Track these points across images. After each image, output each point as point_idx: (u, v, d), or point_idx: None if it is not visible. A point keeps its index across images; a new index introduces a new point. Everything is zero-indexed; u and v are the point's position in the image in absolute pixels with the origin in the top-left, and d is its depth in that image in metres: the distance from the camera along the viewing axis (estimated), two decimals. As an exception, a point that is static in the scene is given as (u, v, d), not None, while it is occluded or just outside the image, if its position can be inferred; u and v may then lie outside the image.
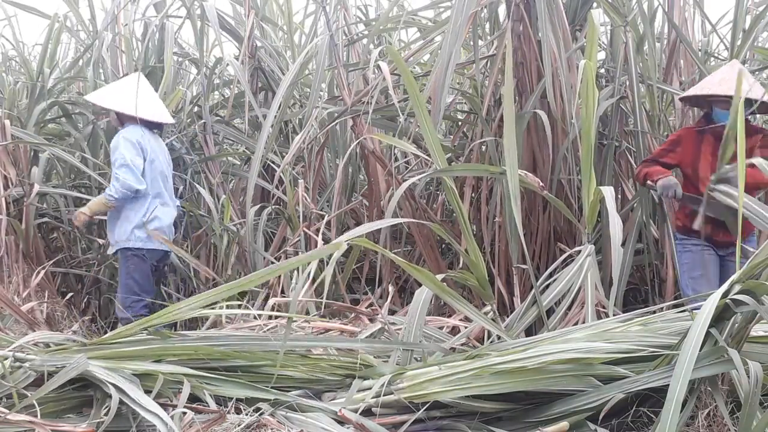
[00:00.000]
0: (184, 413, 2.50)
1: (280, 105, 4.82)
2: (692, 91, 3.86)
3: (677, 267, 3.95)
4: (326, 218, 4.42)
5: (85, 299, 5.26)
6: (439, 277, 3.28)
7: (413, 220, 4.18)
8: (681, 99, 4.12)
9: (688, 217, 3.77)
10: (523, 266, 3.90)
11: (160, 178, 4.36)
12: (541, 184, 3.50)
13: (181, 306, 2.88)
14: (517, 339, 3.14)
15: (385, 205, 4.14)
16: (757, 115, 4.87)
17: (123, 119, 4.35)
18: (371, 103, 4.28)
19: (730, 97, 3.34)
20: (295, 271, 4.23)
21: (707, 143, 3.72)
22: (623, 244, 4.26)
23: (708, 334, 2.30)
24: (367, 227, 3.91)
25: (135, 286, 4.23)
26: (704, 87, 3.76)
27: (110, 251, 4.42)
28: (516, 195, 3.23)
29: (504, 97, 3.30)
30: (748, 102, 3.32)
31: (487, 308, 3.45)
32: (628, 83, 4.27)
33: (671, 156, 3.86)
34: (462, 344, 3.23)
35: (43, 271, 4.70)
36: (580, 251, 3.43)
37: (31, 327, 4.10)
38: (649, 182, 3.83)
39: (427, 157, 3.64)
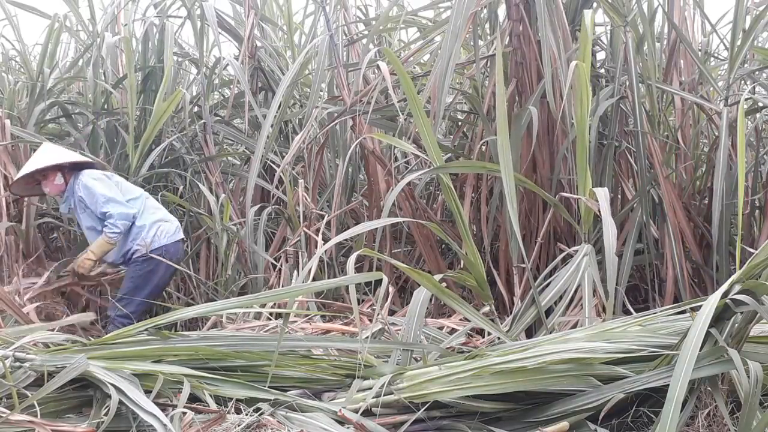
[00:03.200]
0: (184, 413, 2.50)
1: (280, 105, 4.82)
2: None
3: None
4: (326, 218, 4.42)
5: (85, 299, 5.25)
6: (438, 277, 3.28)
7: (412, 220, 4.18)
8: None
9: None
10: (522, 266, 3.90)
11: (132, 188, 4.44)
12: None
13: (201, 309, 2.97)
14: (516, 339, 3.14)
15: (383, 206, 4.14)
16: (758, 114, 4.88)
17: (68, 175, 4.36)
18: (371, 103, 4.28)
19: None
20: (296, 272, 4.25)
21: None
22: (623, 244, 4.28)
23: (708, 334, 2.30)
24: (365, 226, 3.92)
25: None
26: None
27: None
28: (512, 197, 3.23)
29: (497, 101, 3.30)
30: None
31: (486, 308, 3.46)
32: (628, 83, 4.27)
33: None
34: (462, 344, 3.23)
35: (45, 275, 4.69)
36: (578, 251, 3.43)
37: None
38: None
39: (426, 157, 3.64)
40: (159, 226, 4.32)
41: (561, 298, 3.29)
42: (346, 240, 5.36)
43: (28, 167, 4.35)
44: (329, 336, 3.28)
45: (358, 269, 4.78)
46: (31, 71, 5.80)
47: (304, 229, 4.34)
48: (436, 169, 3.40)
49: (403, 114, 4.18)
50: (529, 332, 3.59)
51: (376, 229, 4.46)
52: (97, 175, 4.30)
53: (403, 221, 4.37)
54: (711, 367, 2.38)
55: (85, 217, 4.33)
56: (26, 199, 5.01)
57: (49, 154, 4.37)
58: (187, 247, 5.18)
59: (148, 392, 2.57)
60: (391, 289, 4.28)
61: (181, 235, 4.48)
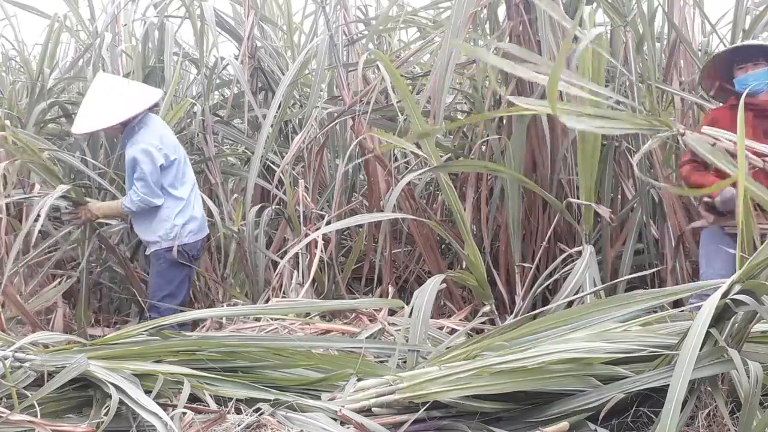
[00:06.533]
0: (184, 413, 2.50)
1: (279, 105, 4.82)
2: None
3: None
4: (326, 218, 4.42)
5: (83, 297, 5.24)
6: (439, 277, 3.29)
7: (411, 216, 4.18)
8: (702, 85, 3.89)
9: None
10: (525, 265, 3.91)
11: (185, 168, 4.25)
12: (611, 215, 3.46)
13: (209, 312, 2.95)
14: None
15: (385, 205, 4.15)
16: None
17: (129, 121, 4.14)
18: (371, 103, 4.29)
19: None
20: (295, 272, 4.25)
21: (746, 120, 3.02)
22: (623, 244, 4.28)
23: (708, 334, 2.30)
24: (363, 218, 3.92)
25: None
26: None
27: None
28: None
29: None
30: None
31: (487, 308, 3.46)
32: (628, 83, 4.27)
33: None
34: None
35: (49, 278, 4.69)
36: (580, 251, 3.44)
37: (34, 328, 4.11)
38: (705, 199, 3.54)
39: (425, 155, 3.65)
40: (185, 225, 4.16)
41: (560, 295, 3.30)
42: (346, 241, 5.38)
43: (88, 123, 4.14)
44: (329, 336, 3.28)
45: (358, 269, 4.80)
46: (31, 71, 5.79)
47: (308, 231, 4.33)
48: (436, 168, 3.40)
49: (402, 114, 4.18)
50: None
51: (377, 228, 4.46)
52: (150, 148, 4.05)
53: (403, 217, 4.36)
54: (711, 367, 2.37)
55: (128, 176, 4.21)
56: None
57: (114, 106, 4.10)
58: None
59: (148, 392, 2.56)
60: (390, 289, 4.29)
61: (204, 233, 4.33)
